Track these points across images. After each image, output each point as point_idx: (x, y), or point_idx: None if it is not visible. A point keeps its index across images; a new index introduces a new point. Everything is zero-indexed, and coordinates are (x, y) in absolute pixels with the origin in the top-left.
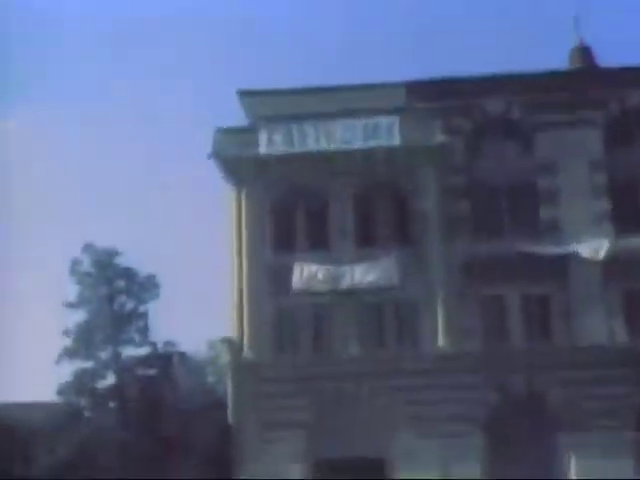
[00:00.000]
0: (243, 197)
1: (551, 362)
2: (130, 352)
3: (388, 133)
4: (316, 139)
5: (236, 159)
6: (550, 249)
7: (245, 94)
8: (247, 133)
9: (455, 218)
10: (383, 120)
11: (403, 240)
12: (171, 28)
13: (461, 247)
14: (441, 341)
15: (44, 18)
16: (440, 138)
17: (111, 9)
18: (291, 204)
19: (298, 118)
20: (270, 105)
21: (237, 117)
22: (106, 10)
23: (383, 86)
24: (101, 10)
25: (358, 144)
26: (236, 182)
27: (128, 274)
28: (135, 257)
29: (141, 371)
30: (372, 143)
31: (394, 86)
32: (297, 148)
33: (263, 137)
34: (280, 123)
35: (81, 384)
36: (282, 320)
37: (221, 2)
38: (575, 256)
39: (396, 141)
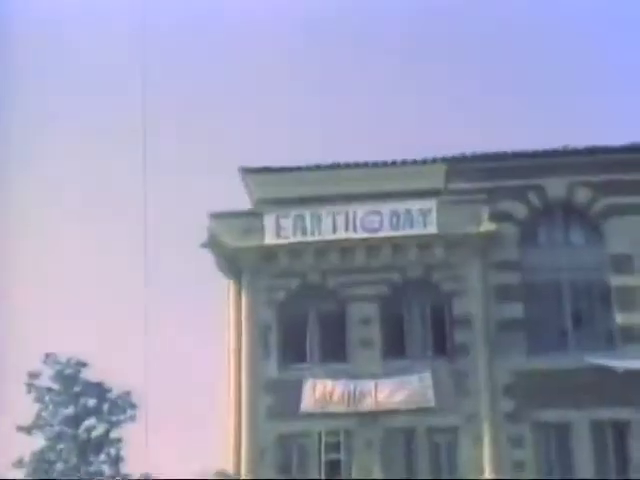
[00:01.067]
0: (244, 296)
1: None
2: None
3: (423, 220)
4: (334, 227)
5: (236, 250)
6: (628, 363)
7: (248, 172)
8: (250, 218)
9: (506, 324)
10: (417, 204)
11: (440, 351)
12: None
13: (513, 360)
14: (487, 476)
15: None
16: (488, 226)
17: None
18: (302, 305)
19: (312, 201)
20: (278, 185)
21: (238, 199)
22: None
23: (417, 163)
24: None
25: (385, 233)
26: (235, 278)
27: (98, 391)
28: (107, 370)
29: None
30: (403, 232)
31: (431, 163)
32: (310, 237)
33: (269, 224)
34: (290, 207)
35: None
36: (288, 448)
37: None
38: None
39: (433, 229)
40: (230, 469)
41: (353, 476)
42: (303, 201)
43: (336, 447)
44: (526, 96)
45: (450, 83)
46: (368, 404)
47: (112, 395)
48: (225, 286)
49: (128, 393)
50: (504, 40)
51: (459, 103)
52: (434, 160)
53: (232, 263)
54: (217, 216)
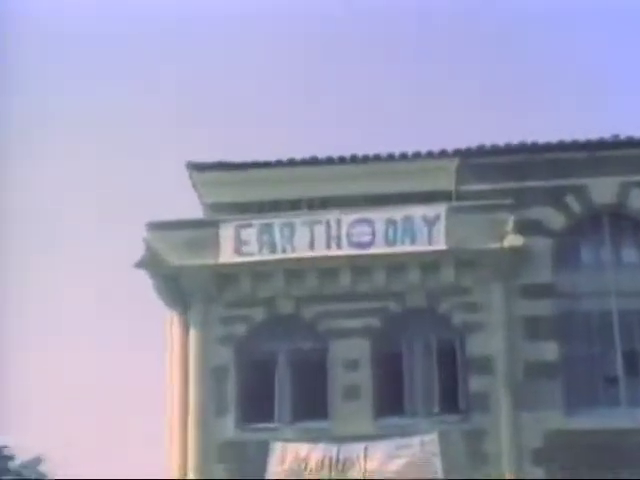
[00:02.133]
0: (192, 331)
1: None
2: None
3: (428, 231)
4: (311, 240)
5: (181, 270)
6: None
7: (197, 168)
8: (200, 229)
9: (537, 369)
10: (420, 211)
11: (450, 405)
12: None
13: (546, 417)
14: None
15: None
16: (513, 240)
17: None
18: (269, 343)
19: (283, 206)
20: (238, 186)
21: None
22: None
23: (420, 157)
24: None
25: (378, 249)
26: (181, 307)
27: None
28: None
29: None
30: (401, 248)
31: (438, 157)
32: (280, 254)
33: (226, 236)
34: (254, 214)
35: None
36: None
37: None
38: None
39: (441, 244)
40: None
41: None
42: (271, 206)
43: None
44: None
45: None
46: (355, 474)
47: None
48: (167, 317)
49: (38, 460)
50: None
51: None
52: (442, 153)
53: (176, 288)
54: (156, 226)
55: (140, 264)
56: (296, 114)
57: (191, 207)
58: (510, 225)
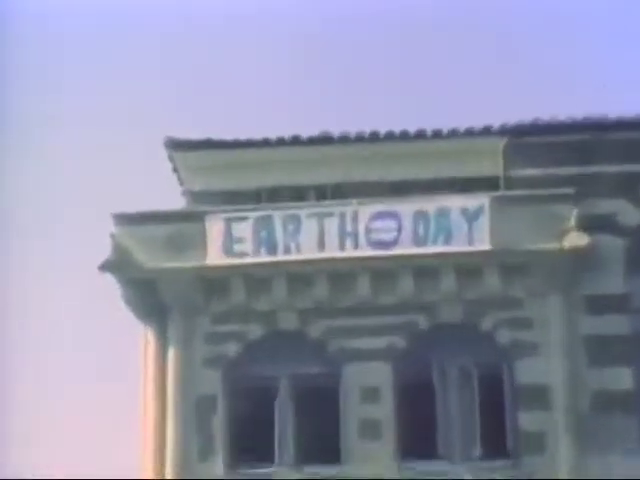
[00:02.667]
0: (171, 352)
1: None
2: None
3: (467, 228)
4: (320, 238)
5: (158, 275)
6: None
7: (178, 147)
8: (182, 224)
9: (607, 401)
10: (457, 202)
11: (495, 447)
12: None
13: (619, 461)
14: None
15: None
16: (575, 239)
17: None
18: (267, 368)
19: (286, 195)
20: (230, 169)
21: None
22: None
23: (457, 134)
24: None
25: (405, 249)
26: (157, 321)
27: None
28: None
29: None
30: (434, 248)
31: (480, 134)
32: (282, 255)
33: (214, 232)
34: (250, 205)
35: None
36: None
37: None
38: None
39: (483, 243)
40: None
41: None
42: (271, 195)
43: None
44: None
45: None
46: None
47: None
48: (141, 334)
49: None
50: None
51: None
52: (487, 130)
53: (151, 297)
54: (126, 219)
55: (105, 266)
56: (303, 82)
57: (171, 196)
58: (572, 221)
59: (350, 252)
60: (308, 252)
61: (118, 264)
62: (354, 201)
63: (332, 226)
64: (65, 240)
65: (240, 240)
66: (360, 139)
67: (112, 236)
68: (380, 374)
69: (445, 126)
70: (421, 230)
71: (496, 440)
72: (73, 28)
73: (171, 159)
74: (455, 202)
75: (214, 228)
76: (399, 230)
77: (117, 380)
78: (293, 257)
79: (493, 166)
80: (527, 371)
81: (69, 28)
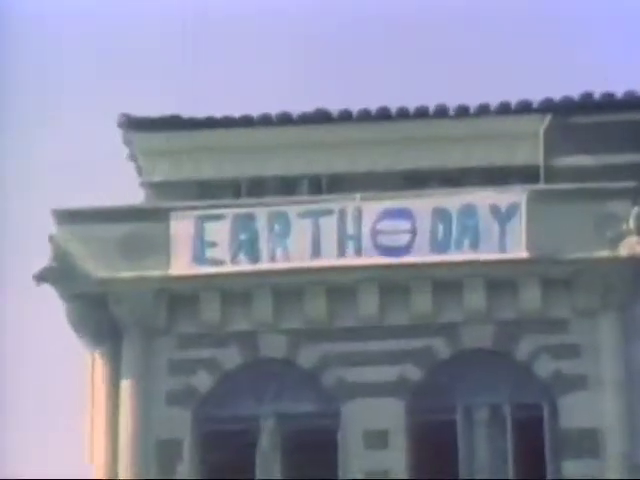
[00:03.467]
0: (124, 384)
1: None
2: None
3: (499, 230)
4: (314, 242)
5: (108, 286)
6: None
7: (136, 126)
8: (139, 223)
9: None
10: (487, 198)
11: None
12: None
13: None
14: None
15: None
16: (637, 244)
17: None
18: (249, 405)
19: (272, 189)
20: (201, 154)
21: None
22: None
23: (489, 112)
24: None
25: (421, 256)
26: (107, 345)
27: None
28: None
29: None
30: (457, 255)
31: (518, 112)
32: (267, 264)
33: (181, 234)
34: (225, 199)
35: None
36: None
37: None
38: None
39: (519, 250)
40: None
41: None
42: (253, 187)
43: None
44: None
45: None
46: None
47: None
48: (87, 361)
49: None
50: None
51: None
52: (523, 107)
53: (101, 314)
54: (70, 217)
55: (42, 276)
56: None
57: (126, 187)
58: (631, 222)
59: (352, 260)
60: (299, 260)
61: (59, 273)
62: (357, 195)
63: (329, 227)
64: None
65: (214, 244)
66: (365, 118)
67: (51, 238)
68: (389, 414)
69: (472, 103)
70: (441, 233)
71: None
72: (73, 28)
73: (127, 142)
74: (484, 198)
75: (181, 229)
76: (413, 233)
77: (59, 415)
78: (280, 266)
79: (532, 153)
80: (573, 411)
81: (69, 28)
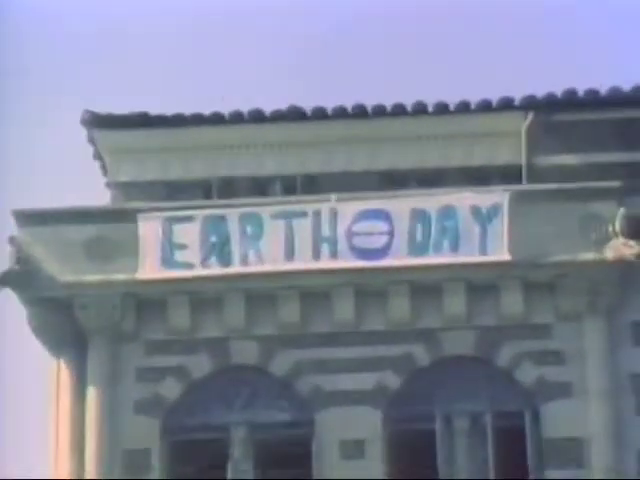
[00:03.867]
0: (90, 392)
1: None
2: None
3: (480, 232)
4: (289, 245)
5: (74, 291)
6: None
7: (101, 123)
8: (105, 225)
9: None
10: (467, 199)
11: None
12: None
13: None
14: None
15: None
16: (622, 247)
17: None
18: (219, 415)
19: (244, 190)
20: (171, 153)
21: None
22: None
23: (470, 110)
24: None
25: (398, 260)
26: (72, 352)
27: None
28: None
29: None
30: (437, 257)
31: (500, 109)
32: (239, 267)
33: (149, 236)
34: (196, 201)
35: None
36: None
37: None
38: None
39: (501, 253)
40: None
41: None
42: (224, 187)
43: None
44: None
45: None
46: None
47: None
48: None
49: None
50: None
51: None
52: (505, 104)
53: (65, 320)
54: (32, 218)
55: (4, 280)
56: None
57: (91, 188)
58: (617, 223)
59: (327, 263)
60: (272, 263)
61: (20, 277)
62: (332, 196)
63: (304, 229)
64: None
65: (183, 247)
66: (340, 115)
67: (12, 240)
68: (366, 423)
69: (451, 100)
70: (419, 235)
71: None
72: (73, 28)
73: (92, 140)
74: (464, 199)
75: (149, 231)
76: (390, 235)
77: (23, 424)
78: (252, 269)
79: (514, 152)
80: (556, 419)
81: (69, 28)
